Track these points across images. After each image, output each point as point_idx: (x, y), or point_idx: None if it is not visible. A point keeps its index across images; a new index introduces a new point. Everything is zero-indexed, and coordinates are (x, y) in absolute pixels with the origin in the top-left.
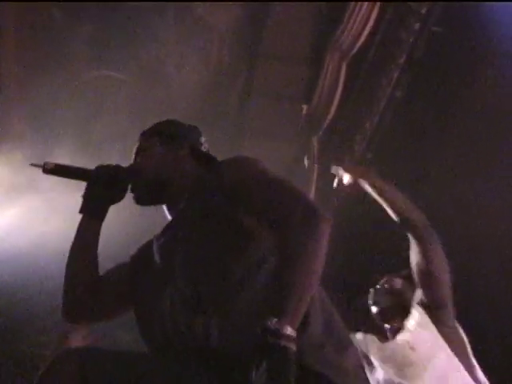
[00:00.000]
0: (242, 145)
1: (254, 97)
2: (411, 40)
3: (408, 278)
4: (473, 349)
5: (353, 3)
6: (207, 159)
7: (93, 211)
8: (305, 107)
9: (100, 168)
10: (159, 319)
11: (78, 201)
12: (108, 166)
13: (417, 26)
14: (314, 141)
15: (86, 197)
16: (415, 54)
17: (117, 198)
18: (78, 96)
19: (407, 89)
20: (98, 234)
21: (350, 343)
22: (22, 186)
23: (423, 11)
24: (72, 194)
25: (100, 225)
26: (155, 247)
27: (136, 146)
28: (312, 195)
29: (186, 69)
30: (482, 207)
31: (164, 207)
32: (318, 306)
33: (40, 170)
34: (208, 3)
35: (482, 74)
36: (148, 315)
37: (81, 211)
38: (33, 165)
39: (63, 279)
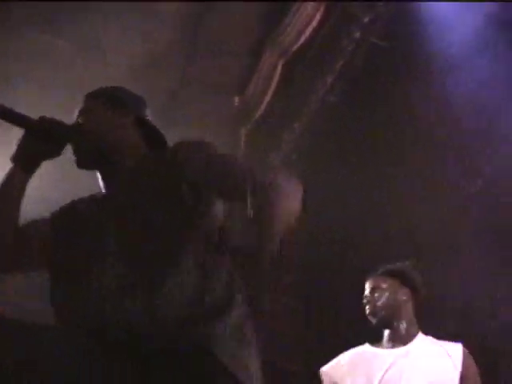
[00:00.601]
0: (171, 131)
1: (188, 84)
2: (350, 48)
3: (395, 277)
4: None
5: (298, 2)
6: (151, 132)
7: (24, 162)
8: (237, 99)
9: (43, 119)
10: (82, 291)
11: None
12: (51, 119)
13: (358, 34)
14: (242, 133)
15: (21, 146)
16: (353, 63)
17: (52, 153)
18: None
19: (341, 95)
20: (25, 186)
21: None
22: None
23: (366, 20)
24: None
25: (29, 177)
26: (83, 213)
27: (79, 107)
28: None
29: (124, 47)
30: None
31: (98, 174)
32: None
33: None
34: None
35: (417, 89)
36: (68, 286)
37: (12, 160)
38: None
39: None
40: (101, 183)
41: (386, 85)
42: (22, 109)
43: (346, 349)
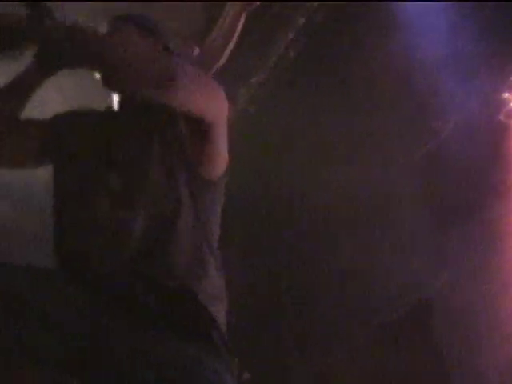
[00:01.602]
0: None
1: None
2: (315, 5)
3: None
4: None
5: None
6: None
7: (48, 61)
8: (196, 49)
9: (75, 25)
10: (79, 204)
11: None
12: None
13: None
14: None
15: (48, 47)
16: (315, 19)
17: (76, 63)
18: None
19: (301, 51)
20: (40, 84)
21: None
22: None
23: None
24: None
25: (46, 77)
26: (88, 125)
27: (106, 29)
28: None
29: None
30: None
31: (117, 97)
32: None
33: None
34: None
35: (375, 46)
36: (65, 197)
37: (36, 55)
38: None
39: None
40: (115, 102)
41: (345, 43)
42: None
43: None
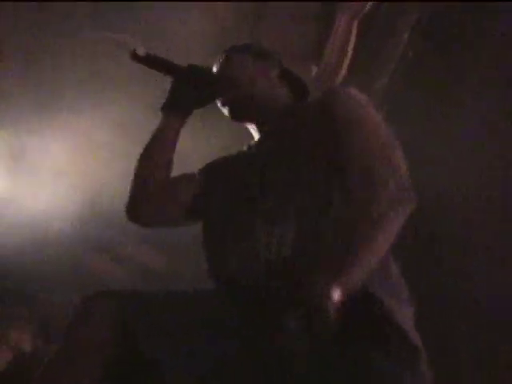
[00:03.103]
0: None
1: None
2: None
3: None
4: None
5: None
6: (297, 83)
7: (178, 108)
8: (314, 68)
9: (192, 66)
10: (233, 233)
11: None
12: (201, 67)
13: None
14: None
15: (172, 92)
16: (427, 14)
17: (204, 101)
18: (78, 57)
19: (419, 49)
20: (178, 133)
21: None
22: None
23: None
24: None
25: (182, 124)
26: (232, 165)
27: (222, 60)
28: None
29: (190, 25)
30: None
31: (250, 126)
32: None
33: None
34: None
35: (497, 29)
36: (219, 231)
37: (163, 108)
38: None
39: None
40: (253, 133)
41: (461, 30)
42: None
43: None
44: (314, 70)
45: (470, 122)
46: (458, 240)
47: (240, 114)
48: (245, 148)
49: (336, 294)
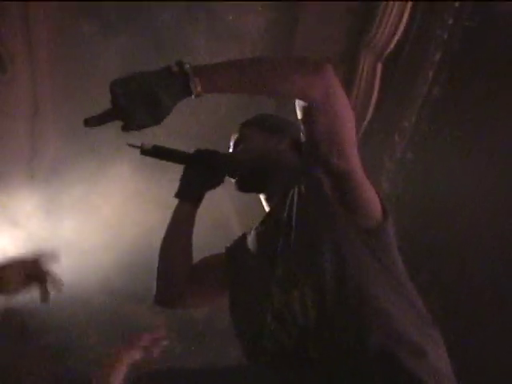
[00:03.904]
0: None
1: (289, 102)
2: (445, 36)
3: None
4: None
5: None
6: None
7: (190, 196)
8: None
9: (199, 152)
10: (257, 307)
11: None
12: (207, 151)
13: (451, 21)
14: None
15: (184, 181)
16: (450, 50)
17: (215, 183)
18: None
19: (445, 86)
20: (194, 219)
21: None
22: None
23: (456, 5)
24: None
25: (196, 210)
26: (252, 237)
27: (235, 136)
28: None
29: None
30: None
31: (262, 197)
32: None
33: None
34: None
35: None
36: (245, 304)
37: (177, 196)
38: (130, 145)
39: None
40: (264, 205)
41: (486, 68)
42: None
43: None
44: None
45: (501, 156)
46: None
47: (246, 187)
48: (257, 224)
49: None
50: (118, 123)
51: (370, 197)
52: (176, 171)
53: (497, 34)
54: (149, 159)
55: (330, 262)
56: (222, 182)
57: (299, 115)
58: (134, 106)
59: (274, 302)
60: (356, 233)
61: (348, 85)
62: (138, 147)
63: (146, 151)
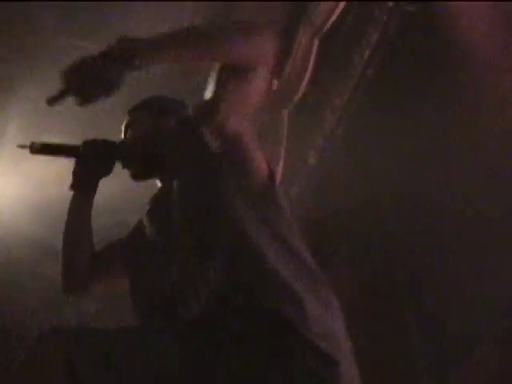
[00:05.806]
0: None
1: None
2: (384, 18)
3: None
4: None
5: None
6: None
7: (83, 187)
8: (275, 82)
9: (87, 143)
10: (165, 282)
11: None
12: (95, 141)
13: (391, 4)
14: (284, 115)
15: (76, 173)
16: (388, 33)
17: (106, 172)
18: (47, 66)
19: (379, 67)
20: (91, 209)
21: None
22: None
23: None
24: None
25: (91, 200)
26: (146, 219)
27: (125, 122)
28: (280, 170)
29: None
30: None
31: (157, 181)
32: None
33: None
34: None
35: (455, 55)
36: (150, 282)
37: (71, 188)
38: (19, 146)
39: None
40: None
41: (423, 50)
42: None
43: None
44: (275, 84)
45: (428, 140)
46: None
47: (140, 175)
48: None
49: None
50: None
51: (258, 158)
52: None
53: (434, 20)
54: None
55: (222, 226)
56: (112, 169)
57: (218, 72)
58: (84, 86)
59: (173, 274)
60: (246, 195)
61: (284, 58)
62: (27, 147)
63: (35, 150)
